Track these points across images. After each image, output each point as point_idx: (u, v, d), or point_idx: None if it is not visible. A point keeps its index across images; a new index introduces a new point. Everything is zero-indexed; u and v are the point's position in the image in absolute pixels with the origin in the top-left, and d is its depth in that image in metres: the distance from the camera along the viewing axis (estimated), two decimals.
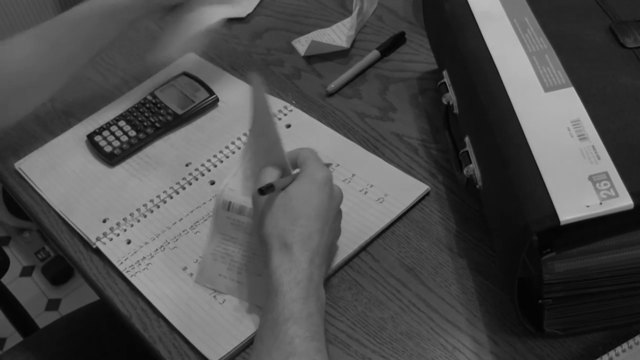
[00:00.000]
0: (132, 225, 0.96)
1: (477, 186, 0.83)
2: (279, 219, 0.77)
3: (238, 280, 0.87)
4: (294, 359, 0.70)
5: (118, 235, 0.95)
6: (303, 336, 0.71)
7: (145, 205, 0.98)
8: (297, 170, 0.83)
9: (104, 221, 0.97)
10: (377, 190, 0.94)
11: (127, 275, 0.91)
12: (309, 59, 1.17)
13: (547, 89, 0.78)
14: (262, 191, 0.77)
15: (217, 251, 0.88)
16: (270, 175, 0.81)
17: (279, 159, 0.83)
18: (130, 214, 0.97)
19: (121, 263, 0.92)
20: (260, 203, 0.79)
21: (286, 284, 0.74)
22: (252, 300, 0.86)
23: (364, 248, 0.89)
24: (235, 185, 0.87)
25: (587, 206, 0.67)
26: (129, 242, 0.95)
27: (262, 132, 0.84)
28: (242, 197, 0.86)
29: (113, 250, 0.94)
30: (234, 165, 0.90)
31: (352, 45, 1.18)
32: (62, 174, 1.05)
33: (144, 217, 0.97)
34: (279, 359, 0.70)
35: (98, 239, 0.95)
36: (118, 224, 0.96)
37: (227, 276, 0.88)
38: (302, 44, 1.20)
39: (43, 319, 2.06)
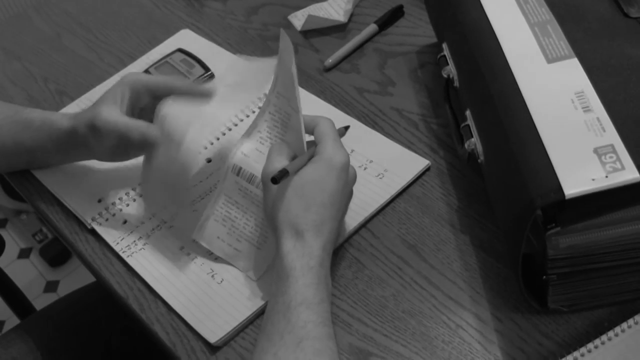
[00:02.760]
0: (127, 205, 0.95)
1: (479, 160, 0.81)
2: (292, 205, 0.76)
3: (236, 247, 0.86)
4: (307, 342, 0.69)
5: (114, 215, 0.94)
6: (316, 321, 0.71)
7: (141, 184, 0.96)
8: (311, 139, 0.82)
9: (99, 201, 0.95)
10: (376, 165, 0.92)
11: (124, 256, 0.89)
12: (306, 33, 1.16)
13: (549, 60, 0.76)
14: (276, 180, 0.75)
15: (219, 212, 0.87)
16: (282, 155, 0.79)
17: (296, 129, 0.81)
18: (125, 194, 0.96)
19: (117, 243, 0.91)
20: (272, 186, 0.77)
21: (299, 269, 0.73)
22: (246, 271, 0.86)
23: (363, 225, 0.88)
24: (248, 150, 0.85)
25: (593, 179, 0.65)
26: (124, 222, 0.93)
27: (283, 94, 0.83)
28: (254, 164, 0.84)
29: (109, 231, 0.92)
30: (250, 125, 0.87)
31: (349, 20, 1.16)
32: None
33: (140, 197, 0.96)
34: (291, 342, 0.69)
35: (93, 220, 0.94)
36: (114, 203, 0.95)
37: (225, 240, 0.87)
38: (298, 19, 1.18)
39: (42, 300, 2.06)
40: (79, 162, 1.00)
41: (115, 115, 0.87)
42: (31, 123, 0.94)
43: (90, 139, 0.89)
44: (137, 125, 0.87)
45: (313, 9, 1.18)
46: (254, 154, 0.85)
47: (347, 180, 0.79)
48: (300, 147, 0.81)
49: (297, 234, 0.75)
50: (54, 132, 0.92)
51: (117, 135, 0.87)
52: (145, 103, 0.91)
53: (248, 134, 0.86)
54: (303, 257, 0.74)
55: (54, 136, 0.92)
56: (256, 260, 0.85)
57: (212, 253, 0.87)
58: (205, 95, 0.89)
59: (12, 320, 1.98)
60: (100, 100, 0.89)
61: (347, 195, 0.81)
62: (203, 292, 0.84)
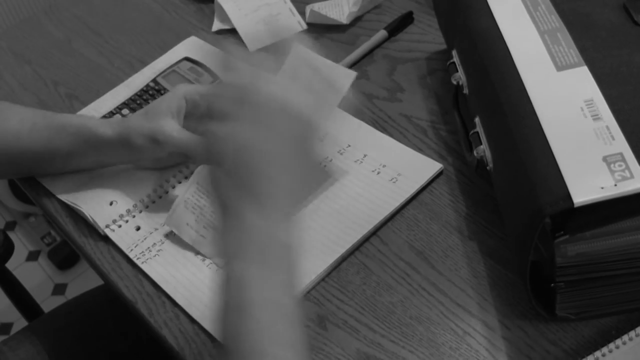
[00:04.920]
0: (140, 212, 0.95)
1: (488, 168, 0.81)
2: (228, 184, 0.67)
3: (202, 234, 0.88)
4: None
5: (127, 222, 0.94)
6: (263, 317, 0.63)
7: (155, 190, 0.96)
8: None
9: (111, 204, 0.95)
10: (389, 170, 0.93)
11: (138, 262, 0.89)
12: (316, 39, 1.16)
13: (559, 68, 0.77)
14: None
15: (189, 200, 0.89)
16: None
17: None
18: (139, 200, 0.95)
19: (131, 250, 0.91)
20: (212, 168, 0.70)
21: (241, 244, 0.65)
22: (210, 257, 0.88)
23: (379, 228, 0.88)
24: None
25: (602, 188, 0.65)
26: (138, 228, 0.93)
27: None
28: None
29: (122, 238, 0.92)
30: None
31: (356, 24, 1.16)
32: None
33: (153, 203, 0.96)
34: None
35: (107, 226, 0.93)
36: (128, 210, 0.95)
37: (193, 227, 0.89)
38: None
39: (49, 303, 2.05)
40: (93, 171, 0.99)
41: (178, 131, 0.89)
42: (64, 128, 0.94)
43: (146, 149, 0.91)
44: (201, 143, 0.84)
45: (318, 6, 1.17)
46: None
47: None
48: None
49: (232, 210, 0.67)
50: (93, 139, 0.92)
51: (179, 150, 0.90)
52: (201, 112, 0.92)
53: None
54: (243, 233, 0.66)
55: (92, 143, 0.93)
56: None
57: None
58: None
59: (20, 322, 1.99)
60: (155, 112, 0.91)
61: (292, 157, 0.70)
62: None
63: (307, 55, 0.85)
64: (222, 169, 0.69)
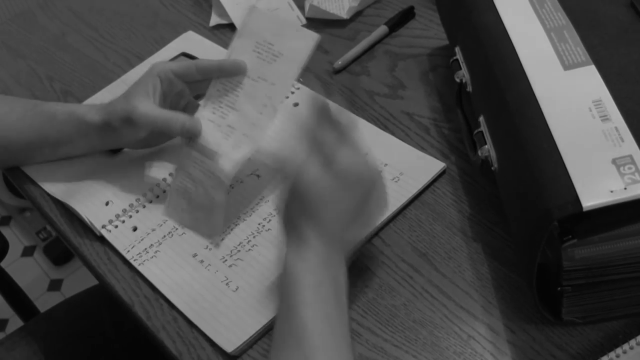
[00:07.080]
0: (137, 212, 0.93)
1: (493, 168, 0.80)
2: (296, 210, 0.72)
3: (196, 216, 0.89)
4: (306, 342, 0.66)
5: (123, 222, 0.92)
6: (315, 317, 0.67)
7: (151, 190, 0.95)
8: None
9: (107, 204, 0.94)
10: (391, 169, 0.91)
11: (135, 264, 0.88)
12: None
13: (566, 67, 0.75)
14: None
15: (179, 187, 0.91)
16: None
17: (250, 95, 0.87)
18: (136, 200, 0.94)
19: (128, 251, 0.89)
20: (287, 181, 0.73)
21: (300, 273, 0.69)
22: (208, 237, 0.89)
23: (381, 229, 0.87)
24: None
25: (611, 191, 0.64)
26: (135, 229, 0.92)
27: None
28: (203, 134, 0.89)
29: (119, 238, 0.91)
30: (205, 96, 0.92)
31: (356, 19, 1.15)
32: (62, 161, 1.01)
33: (150, 203, 0.94)
34: (293, 343, 0.67)
35: (103, 227, 0.92)
36: (124, 210, 0.93)
37: (187, 211, 0.90)
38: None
39: (45, 299, 2.05)
40: (87, 170, 0.98)
41: (151, 109, 0.89)
42: (54, 116, 0.95)
43: (125, 131, 0.91)
44: (178, 118, 0.89)
45: (317, 1, 1.16)
46: (204, 123, 0.89)
47: (365, 192, 0.75)
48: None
49: (300, 238, 0.71)
50: (83, 126, 0.93)
51: (155, 128, 0.90)
52: (179, 89, 0.93)
53: (203, 105, 0.91)
54: (305, 261, 0.70)
55: (82, 129, 0.93)
56: (212, 223, 0.88)
57: (226, 260, 0.86)
58: (238, 72, 0.91)
59: (15, 319, 1.98)
60: (132, 93, 0.91)
61: (367, 202, 0.76)
62: (218, 301, 0.83)
63: (268, 19, 0.87)
64: (292, 194, 0.72)
